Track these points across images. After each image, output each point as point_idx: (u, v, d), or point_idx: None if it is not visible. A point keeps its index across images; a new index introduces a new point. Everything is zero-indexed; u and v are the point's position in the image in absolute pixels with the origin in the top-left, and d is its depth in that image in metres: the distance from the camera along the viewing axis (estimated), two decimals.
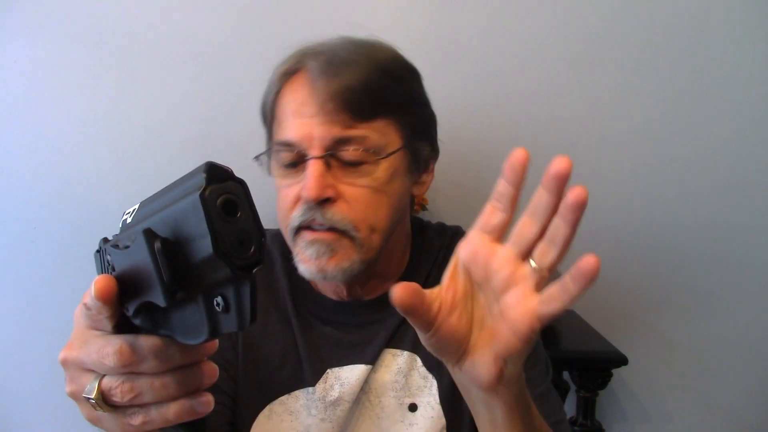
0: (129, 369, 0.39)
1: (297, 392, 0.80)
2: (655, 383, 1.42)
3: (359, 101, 0.73)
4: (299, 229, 0.74)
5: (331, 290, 0.84)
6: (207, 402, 0.41)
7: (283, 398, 0.80)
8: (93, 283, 0.36)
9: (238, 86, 1.27)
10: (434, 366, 0.79)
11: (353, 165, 0.74)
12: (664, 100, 1.34)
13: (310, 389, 0.79)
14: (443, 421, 0.78)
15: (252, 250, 0.32)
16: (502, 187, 0.45)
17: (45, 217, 1.29)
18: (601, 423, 1.24)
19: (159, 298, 0.33)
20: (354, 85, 0.73)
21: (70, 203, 1.29)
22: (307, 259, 0.74)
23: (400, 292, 0.43)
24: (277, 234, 0.84)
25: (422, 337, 0.47)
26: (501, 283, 0.45)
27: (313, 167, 0.71)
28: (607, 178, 1.36)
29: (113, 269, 0.37)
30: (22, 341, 1.32)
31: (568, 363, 1.22)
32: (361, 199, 0.74)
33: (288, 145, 0.74)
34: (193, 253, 0.32)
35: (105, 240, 0.43)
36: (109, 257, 0.38)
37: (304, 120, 0.73)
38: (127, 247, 0.36)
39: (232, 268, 0.31)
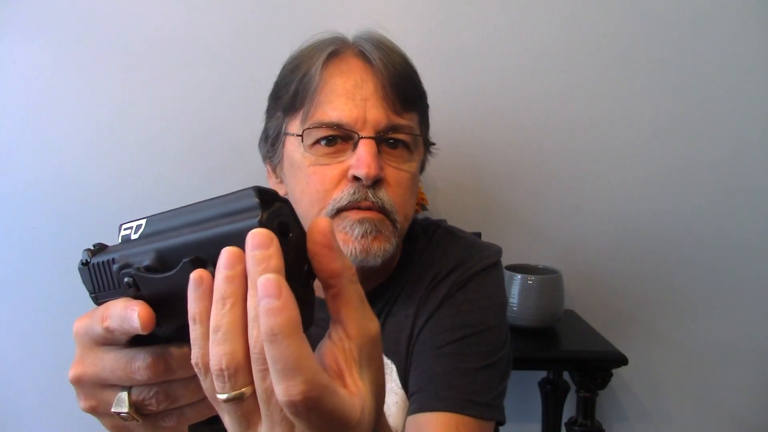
0: (162, 379, 0.38)
1: None
2: (655, 383, 1.43)
3: (408, 90, 0.75)
4: (341, 210, 0.73)
5: None
6: None
7: None
8: (135, 314, 0.35)
9: (239, 87, 1.27)
10: (392, 351, 0.79)
11: (395, 151, 0.74)
12: (665, 102, 1.34)
13: None
14: (407, 403, 0.78)
15: (307, 266, 0.33)
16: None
17: (45, 218, 1.30)
18: (601, 423, 1.24)
19: None
20: (404, 74, 0.74)
21: (70, 204, 1.29)
22: (351, 239, 0.72)
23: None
24: None
25: None
26: None
27: (369, 146, 0.71)
28: (608, 179, 1.36)
29: (138, 289, 0.37)
30: (22, 341, 1.32)
31: (568, 363, 1.22)
32: (402, 185, 0.75)
33: (336, 126, 0.73)
34: None
35: (91, 252, 0.41)
36: (128, 279, 0.37)
37: (356, 102, 0.72)
38: (153, 269, 0.35)
39: (296, 288, 0.31)
